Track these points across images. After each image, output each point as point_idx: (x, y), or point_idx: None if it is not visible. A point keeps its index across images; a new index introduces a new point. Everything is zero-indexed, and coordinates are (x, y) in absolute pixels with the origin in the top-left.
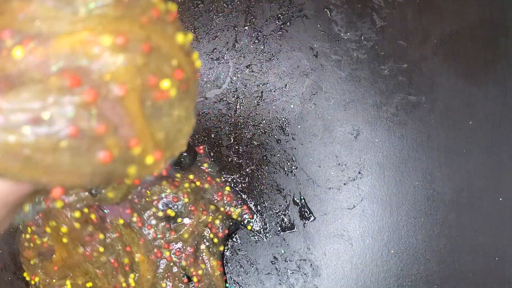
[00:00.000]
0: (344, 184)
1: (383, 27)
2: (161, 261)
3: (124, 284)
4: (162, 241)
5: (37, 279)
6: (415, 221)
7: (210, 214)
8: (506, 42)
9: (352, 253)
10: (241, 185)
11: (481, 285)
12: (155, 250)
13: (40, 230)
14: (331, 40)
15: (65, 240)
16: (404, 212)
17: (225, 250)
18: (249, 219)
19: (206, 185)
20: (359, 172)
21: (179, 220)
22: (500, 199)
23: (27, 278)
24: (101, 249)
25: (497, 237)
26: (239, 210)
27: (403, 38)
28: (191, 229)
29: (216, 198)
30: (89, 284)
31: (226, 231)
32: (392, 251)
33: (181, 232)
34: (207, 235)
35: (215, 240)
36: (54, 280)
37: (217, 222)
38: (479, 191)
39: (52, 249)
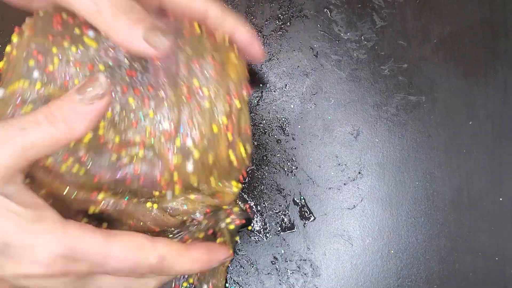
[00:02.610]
0: (344, 184)
1: (383, 27)
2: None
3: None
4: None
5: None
6: (415, 221)
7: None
8: (506, 42)
9: (352, 253)
10: (241, 185)
11: (481, 285)
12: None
13: None
14: (331, 40)
15: None
16: (404, 212)
17: None
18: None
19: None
20: (359, 172)
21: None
22: (500, 199)
23: None
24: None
25: (497, 237)
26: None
27: (403, 38)
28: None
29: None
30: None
31: (243, 221)
32: (392, 251)
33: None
34: (224, 218)
35: (231, 226)
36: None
37: (236, 209)
38: (479, 191)
39: None
